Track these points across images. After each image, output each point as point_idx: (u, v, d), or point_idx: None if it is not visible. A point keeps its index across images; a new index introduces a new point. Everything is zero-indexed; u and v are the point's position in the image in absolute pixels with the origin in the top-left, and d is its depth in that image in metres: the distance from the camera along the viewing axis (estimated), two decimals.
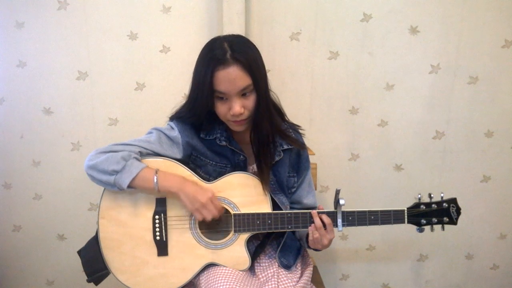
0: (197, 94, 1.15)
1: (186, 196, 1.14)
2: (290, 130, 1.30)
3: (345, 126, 1.85)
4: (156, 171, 1.15)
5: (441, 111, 1.83)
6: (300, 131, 1.34)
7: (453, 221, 1.22)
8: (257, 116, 1.17)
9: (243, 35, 1.65)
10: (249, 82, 1.11)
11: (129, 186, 1.14)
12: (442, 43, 1.75)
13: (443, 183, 1.91)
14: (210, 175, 1.24)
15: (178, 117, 1.24)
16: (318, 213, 1.20)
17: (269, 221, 1.20)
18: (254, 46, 1.17)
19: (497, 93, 1.81)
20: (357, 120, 1.84)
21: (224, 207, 1.20)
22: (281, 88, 1.79)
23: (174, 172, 1.18)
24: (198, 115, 1.20)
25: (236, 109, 1.12)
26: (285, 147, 1.27)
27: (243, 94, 1.13)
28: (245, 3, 1.66)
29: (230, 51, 1.09)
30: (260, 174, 1.22)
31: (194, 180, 1.19)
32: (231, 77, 1.09)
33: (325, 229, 1.19)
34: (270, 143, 1.24)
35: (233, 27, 1.66)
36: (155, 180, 1.13)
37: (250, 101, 1.14)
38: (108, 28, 1.72)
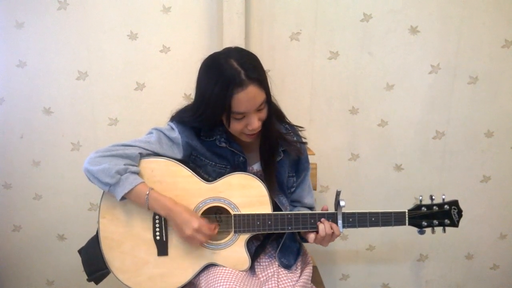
0: (207, 112, 1.14)
1: (174, 223, 1.16)
2: (291, 133, 1.31)
3: (345, 126, 1.85)
4: (149, 191, 1.15)
5: (441, 111, 1.83)
6: (301, 132, 1.34)
7: (455, 224, 1.22)
8: (266, 123, 1.18)
9: (243, 35, 1.66)
10: (264, 97, 1.13)
11: (123, 198, 1.15)
12: (442, 43, 1.75)
13: (443, 183, 1.91)
14: (209, 175, 1.24)
15: (180, 121, 1.24)
16: (319, 214, 1.20)
17: (269, 222, 1.20)
18: (255, 56, 1.17)
19: (497, 93, 1.81)
20: (357, 120, 1.84)
21: (218, 225, 1.20)
22: (281, 88, 1.78)
23: (166, 196, 1.17)
24: (203, 126, 1.22)
25: (256, 125, 1.13)
26: (285, 147, 1.27)
27: (258, 109, 1.14)
28: (245, 3, 1.66)
29: (243, 71, 1.08)
30: (267, 177, 1.23)
31: (183, 207, 1.17)
32: (250, 96, 1.09)
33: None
34: (278, 147, 1.25)
35: (233, 27, 1.66)
36: (146, 200, 1.14)
37: (264, 113, 1.16)
38: (108, 28, 1.72)
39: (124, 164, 1.14)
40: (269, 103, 1.17)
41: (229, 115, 1.12)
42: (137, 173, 1.17)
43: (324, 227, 1.18)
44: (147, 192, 1.15)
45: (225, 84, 1.08)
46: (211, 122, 1.19)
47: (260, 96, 1.11)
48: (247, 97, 1.09)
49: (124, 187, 1.13)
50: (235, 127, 1.15)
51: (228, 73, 1.08)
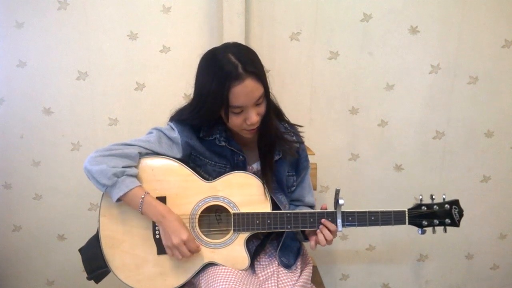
0: (205, 106, 1.15)
1: (163, 230, 1.16)
2: (290, 132, 1.30)
3: (345, 126, 1.85)
4: (144, 195, 1.15)
5: (441, 111, 1.83)
6: (300, 131, 1.34)
7: (455, 223, 1.21)
8: (265, 120, 1.18)
9: (243, 35, 1.67)
10: (262, 91, 1.13)
11: (119, 200, 1.15)
12: (442, 43, 1.75)
13: (443, 183, 1.91)
14: (209, 175, 1.24)
15: (179, 120, 1.24)
16: (318, 213, 1.20)
17: (269, 221, 1.20)
18: (253, 51, 1.17)
19: (497, 93, 1.81)
20: (357, 120, 1.84)
21: (202, 246, 1.20)
22: (281, 88, 1.78)
23: (161, 203, 1.17)
24: (202, 122, 1.22)
25: (254, 119, 1.13)
26: (283, 147, 1.27)
27: (257, 103, 1.14)
28: (245, 3, 1.66)
29: (240, 64, 1.09)
30: (264, 176, 1.22)
31: (177, 216, 1.16)
32: (248, 90, 1.10)
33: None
34: (275, 145, 1.24)
35: (233, 27, 1.66)
36: (140, 204, 1.14)
37: (263, 108, 1.16)
38: (108, 28, 1.72)
39: (123, 166, 1.14)
40: (267, 99, 1.17)
41: (227, 110, 1.12)
42: (135, 176, 1.17)
43: (323, 237, 1.19)
44: (142, 196, 1.15)
45: (223, 78, 1.08)
46: (210, 118, 1.19)
47: (258, 90, 1.11)
48: (244, 90, 1.09)
49: (120, 190, 1.13)
50: (234, 122, 1.15)
51: (226, 67, 1.09)
